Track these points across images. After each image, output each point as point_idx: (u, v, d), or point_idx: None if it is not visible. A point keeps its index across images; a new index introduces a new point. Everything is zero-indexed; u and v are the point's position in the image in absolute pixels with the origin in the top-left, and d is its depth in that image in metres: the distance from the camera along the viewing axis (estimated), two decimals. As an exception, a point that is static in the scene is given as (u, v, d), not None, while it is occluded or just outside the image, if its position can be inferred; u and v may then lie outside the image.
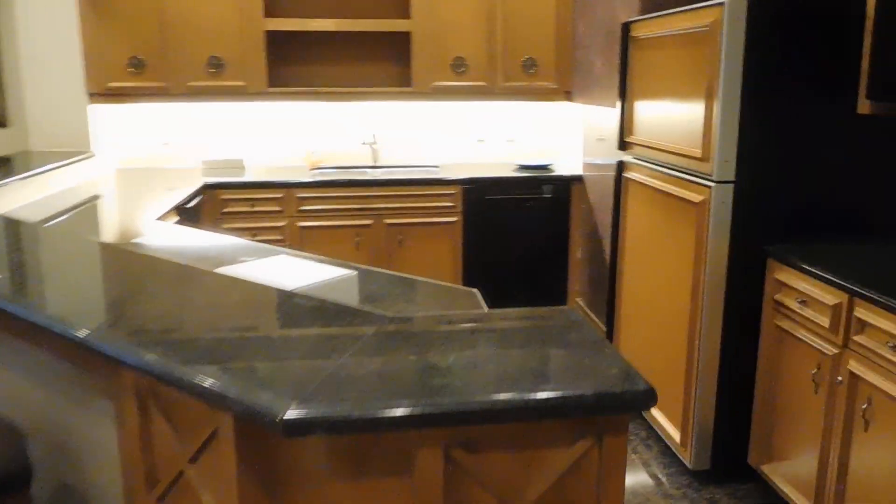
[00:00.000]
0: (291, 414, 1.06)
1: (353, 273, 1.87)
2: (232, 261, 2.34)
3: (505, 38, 4.38)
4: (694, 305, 2.63)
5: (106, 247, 2.16)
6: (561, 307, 1.35)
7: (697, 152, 2.56)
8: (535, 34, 4.39)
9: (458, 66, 4.39)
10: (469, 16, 4.34)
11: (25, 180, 3.45)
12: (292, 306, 1.54)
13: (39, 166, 3.62)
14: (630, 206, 3.22)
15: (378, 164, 4.72)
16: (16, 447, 1.72)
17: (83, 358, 1.57)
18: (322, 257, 2.42)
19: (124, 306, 1.61)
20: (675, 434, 2.80)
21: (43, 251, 2.20)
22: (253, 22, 4.24)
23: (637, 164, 3.13)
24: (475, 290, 2.01)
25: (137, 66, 4.23)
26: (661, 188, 2.87)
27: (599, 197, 4.00)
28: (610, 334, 3.47)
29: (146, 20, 4.18)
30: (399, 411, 1.06)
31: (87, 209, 3.46)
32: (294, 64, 4.56)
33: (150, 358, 1.28)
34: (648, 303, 3.05)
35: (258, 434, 1.19)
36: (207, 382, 1.17)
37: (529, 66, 4.42)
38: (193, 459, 1.36)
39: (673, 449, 2.88)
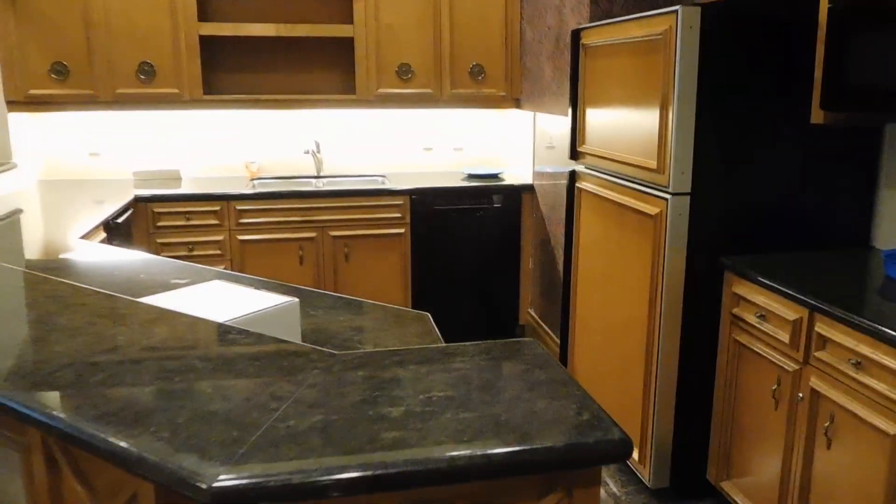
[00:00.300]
0: (222, 482, 0.92)
1: (294, 301, 1.72)
2: (162, 286, 2.16)
3: (452, 45, 4.27)
4: (651, 319, 2.56)
5: (19, 274, 1.95)
6: (523, 339, 1.23)
7: (652, 164, 2.49)
8: (483, 40, 4.30)
9: (404, 73, 4.26)
10: (414, 21, 4.22)
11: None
12: (225, 344, 1.39)
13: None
14: (583, 217, 3.14)
15: (322, 173, 4.55)
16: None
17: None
18: (263, 279, 2.26)
19: (32, 347, 1.43)
20: (633, 451, 2.73)
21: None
22: (186, 26, 4.02)
23: (590, 175, 3.06)
24: (427, 315, 1.88)
25: (61, 72, 3.97)
26: (615, 199, 2.80)
27: (551, 207, 3.93)
28: (564, 347, 3.38)
29: (70, 24, 3.93)
30: (348, 474, 0.93)
31: (5, 225, 3.20)
32: (232, 71, 4.36)
33: (57, 414, 1.11)
34: (604, 316, 2.97)
35: (184, 501, 1.03)
36: (122, 444, 1.01)
37: (477, 72, 4.32)
38: (112, 525, 1.20)
39: (631, 466, 2.80)
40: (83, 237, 3.00)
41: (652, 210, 2.51)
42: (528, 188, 4.22)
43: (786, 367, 2.14)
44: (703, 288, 2.49)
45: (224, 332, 1.45)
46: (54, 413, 1.12)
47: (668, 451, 2.60)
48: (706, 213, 2.45)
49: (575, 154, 3.19)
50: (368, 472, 0.93)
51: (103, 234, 3.32)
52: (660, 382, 2.55)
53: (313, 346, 1.37)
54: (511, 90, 4.36)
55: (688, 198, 2.42)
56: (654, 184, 2.51)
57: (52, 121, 4.29)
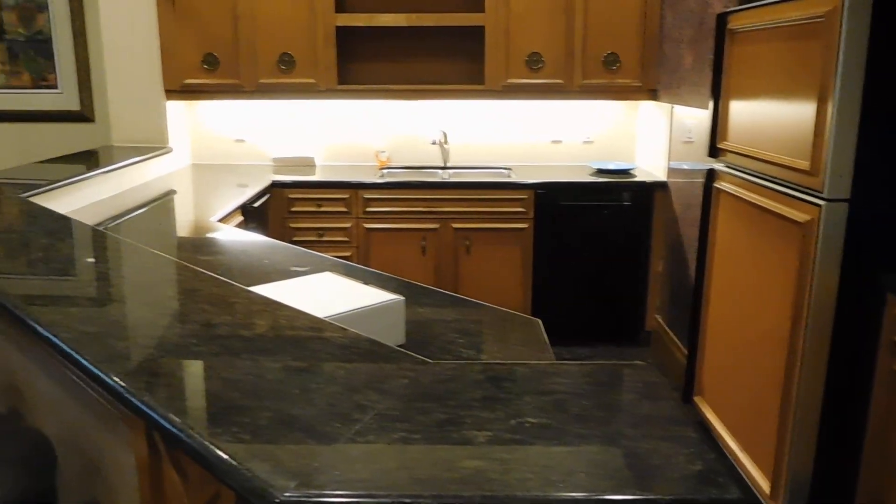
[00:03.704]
0: (289, 497, 0.88)
1: (399, 299, 1.67)
2: (281, 273, 2.20)
3: (585, 32, 4.07)
4: (793, 339, 2.30)
5: (151, 255, 2.05)
6: (634, 362, 1.10)
7: (805, 164, 2.23)
8: (618, 27, 4.07)
9: (534, 63, 4.12)
10: (546, 8, 4.06)
11: (108, 174, 3.49)
12: (321, 342, 1.36)
13: (121, 161, 3.68)
14: (721, 220, 2.89)
15: (448, 164, 4.52)
16: (46, 469, 1.63)
17: (94, 383, 1.45)
18: (376, 272, 2.25)
19: (143, 330, 1.48)
20: (764, 483, 2.48)
21: (96, 255, 2.11)
22: (324, 18, 4.11)
23: (730, 174, 2.80)
24: (537, 321, 1.78)
25: (212, 62, 4.19)
26: (758, 203, 2.54)
27: (685, 206, 3.67)
28: (692, 359, 3.15)
29: (220, 18, 4.14)
30: None
31: (158, 206, 3.44)
32: (364, 61, 4.42)
33: (150, 402, 1.13)
34: (739, 328, 2.73)
35: (261, 506, 1.01)
36: (204, 443, 1.00)
37: (611, 62, 4.11)
38: (201, 516, 1.21)
39: (760, 498, 2.56)
40: (222, 220, 3.15)
41: (801, 217, 2.25)
42: (661, 185, 3.97)
43: (954, 405, 1.85)
44: (859, 309, 2.20)
45: (322, 328, 1.43)
46: (149, 401, 1.13)
47: (805, 488, 2.34)
48: (867, 224, 2.15)
49: (714, 151, 2.94)
50: None
51: (240, 218, 3.48)
52: (800, 411, 2.29)
53: (408, 351, 1.31)
54: (647, 80, 4.11)
55: (846, 205, 2.14)
56: (806, 187, 2.25)
57: (202, 108, 4.54)
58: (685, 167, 3.70)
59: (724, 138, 2.86)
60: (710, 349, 3.00)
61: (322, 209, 4.04)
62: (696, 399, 3.09)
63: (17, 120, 4.82)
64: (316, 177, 4.16)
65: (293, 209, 4.05)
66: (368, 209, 4.02)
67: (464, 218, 4.00)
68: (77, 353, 1.33)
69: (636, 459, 0.93)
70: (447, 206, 4.00)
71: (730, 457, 2.78)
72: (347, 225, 4.05)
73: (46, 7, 4.67)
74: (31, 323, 1.50)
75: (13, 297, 1.63)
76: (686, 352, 3.29)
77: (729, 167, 2.84)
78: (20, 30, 4.73)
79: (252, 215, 3.61)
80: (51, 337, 1.44)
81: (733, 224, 2.77)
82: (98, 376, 1.26)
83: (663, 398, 1.08)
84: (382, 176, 4.23)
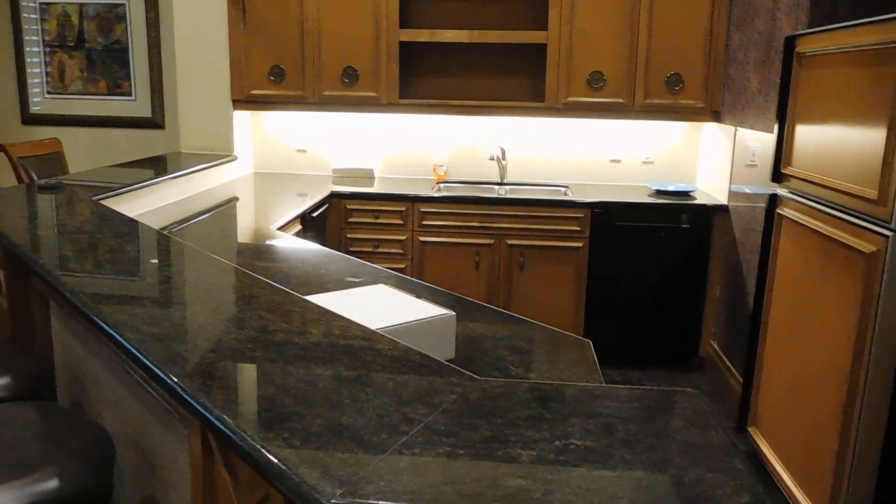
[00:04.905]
0: (335, 503, 0.90)
1: (451, 314, 1.69)
2: (337, 283, 2.25)
3: (648, 52, 4.04)
4: (854, 373, 2.22)
5: (210, 260, 2.12)
6: (684, 390, 1.09)
7: (872, 193, 2.16)
8: (683, 48, 4.02)
9: (595, 81, 4.11)
10: (610, 27, 4.05)
11: (174, 180, 3.63)
12: (372, 353, 1.39)
13: (188, 167, 3.82)
14: (782, 247, 2.82)
15: (505, 180, 4.53)
16: (105, 463, 1.70)
17: (155, 382, 1.51)
18: (429, 285, 2.28)
19: (204, 334, 1.53)
20: (819, 521, 2.40)
21: (160, 259, 2.20)
22: (388, 33, 4.19)
23: (794, 200, 2.74)
24: (587, 342, 1.77)
25: (278, 74, 4.31)
26: (822, 230, 2.47)
27: (745, 231, 3.59)
28: (747, 387, 3.07)
29: (288, 32, 4.26)
30: (461, 519, 0.87)
31: (221, 212, 3.55)
32: (425, 75, 4.48)
33: (207, 404, 1.17)
34: (797, 359, 2.65)
35: (308, 511, 1.04)
36: (256, 446, 1.04)
37: (674, 82, 4.06)
38: (250, 517, 1.24)
39: (816, 534, 2.47)
40: (281, 228, 3.24)
41: (867, 247, 2.18)
42: (721, 209, 3.89)
43: None
44: (925, 342, 2.12)
45: (374, 340, 1.45)
46: (206, 404, 1.17)
47: (863, 525, 2.25)
48: (936, 256, 2.08)
49: (778, 176, 2.88)
50: (485, 520, 0.86)
51: (299, 226, 3.56)
52: (860, 448, 2.21)
53: (457, 367, 1.33)
54: (710, 102, 4.05)
55: (913, 236, 2.07)
56: (872, 216, 2.18)
57: (267, 118, 4.68)
58: (747, 191, 3.62)
59: (789, 163, 2.79)
60: (767, 379, 2.92)
61: (379, 221, 4.10)
62: (751, 429, 3.01)
63: (92, 125, 5.06)
64: (374, 188, 4.23)
65: (351, 220, 4.12)
66: (424, 222, 4.07)
67: (519, 234, 4.00)
68: (140, 353, 1.39)
69: (681, 488, 0.92)
70: (503, 221, 4.01)
71: (783, 491, 2.70)
72: (403, 237, 4.10)
73: (125, 18, 4.90)
74: (99, 322, 1.57)
75: (83, 295, 1.71)
76: (742, 380, 3.20)
77: (793, 193, 2.77)
78: (99, 39, 4.96)
79: (310, 224, 3.69)
80: (117, 336, 1.50)
81: (795, 251, 2.70)
82: (159, 376, 1.31)
83: (712, 427, 1.06)
84: (439, 190, 4.27)
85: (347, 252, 3.83)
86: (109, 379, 2.10)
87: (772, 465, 2.76)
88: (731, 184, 3.87)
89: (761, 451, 2.86)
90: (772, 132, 2.96)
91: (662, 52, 4.03)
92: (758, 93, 3.48)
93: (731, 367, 3.65)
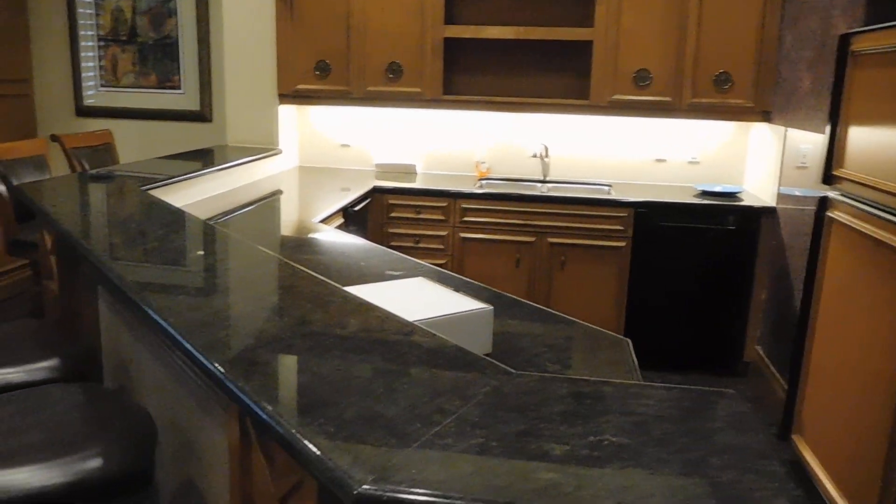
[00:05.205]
0: (366, 490, 0.91)
1: (488, 309, 1.69)
2: (376, 276, 2.26)
3: (697, 50, 3.96)
4: (904, 381, 2.15)
5: (253, 249, 2.16)
6: (724, 391, 1.07)
7: (926, 196, 2.09)
8: (733, 46, 3.94)
9: (641, 79, 4.05)
10: (657, 25, 3.99)
11: (220, 172, 3.70)
12: (409, 345, 1.39)
13: (233, 160, 3.89)
14: (832, 251, 2.74)
15: (547, 178, 4.50)
16: (148, 445, 1.74)
17: (197, 367, 1.54)
18: (467, 280, 2.28)
19: (243, 321, 1.56)
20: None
21: (209, 249, 2.24)
22: (433, 29, 4.20)
23: (845, 203, 2.66)
24: (626, 341, 1.75)
25: (323, 69, 4.36)
26: (874, 235, 2.40)
27: (794, 234, 3.50)
28: (792, 394, 3.00)
29: (334, 28, 4.30)
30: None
31: (265, 205, 3.62)
32: (469, 72, 4.47)
33: (245, 388, 1.19)
34: (845, 367, 2.58)
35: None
36: (292, 431, 1.05)
37: (723, 81, 3.98)
38: (283, 500, 1.26)
39: (860, 547, 2.40)
40: (323, 221, 3.27)
41: (920, 252, 2.11)
42: (769, 211, 3.80)
43: None
44: (981, 353, 2.04)
45: (410, 332, 1.46)
46: (245, 390, 1.19)
47: (909, 539, 2.18)
48: None
49: (829, 178, 2.80)
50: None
51: (341, 220, 3.60)
52: (908, 457, 2.14)
53: (493, 360, 1.32)
54: (760, 101, 3.96)
55: (971, 242, 1.99)
56: (927, 221, 2.11)
57: (311, 113, 4.73)
58: (796, 193, 3.53)
59: (841, 165, 2.71)
60: (813, 386, 2.85)
61: (420, 216, 4.12)
62: (794, 437, 2.93)
63: (142, 118, 5.19)
64: (416, 184, 4.24)
65: (392, 215, 4.15)
66: (465, 219, 4.07)
67: (560, 233, 3.98)
68: (183, 338, 1.42)
69: (716, 489, 0.91)
70: (544, 220, 3.98)
71: (827, 501, 2.63)
72: (444, 233, 4.10)
73: (175, 13, 5.01)
74: (145, 307, 1.61)
75: (130, 282, 1.76)
76: (786, 386, 3.13)
77: (844, 196, 2.69)
78: (150, 33, 5.09)
79: (352, 218, 3.72)
80: (161, 321, 1.54)
81: (846, 256, 2.63)
82: (201, 362, 1.34)
83: (751, 429, 1.04)
84: (481, 186, 4.26)
85: (388, 247, 3.86)
86: (153, 364, 2.15)
87: (815, 474, 2.69)
88: (779, 185, 3.78)
89: (804, 459, 2.79)
90: (823, 133, 2.88)
91: (711, 51, 3.95)
92: (810, 93, 3.39)
93: (776, 373, 3.57)
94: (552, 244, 3.99)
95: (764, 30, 3.89)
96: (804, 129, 3.43)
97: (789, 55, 3.72)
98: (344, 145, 4.74)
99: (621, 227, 3.92)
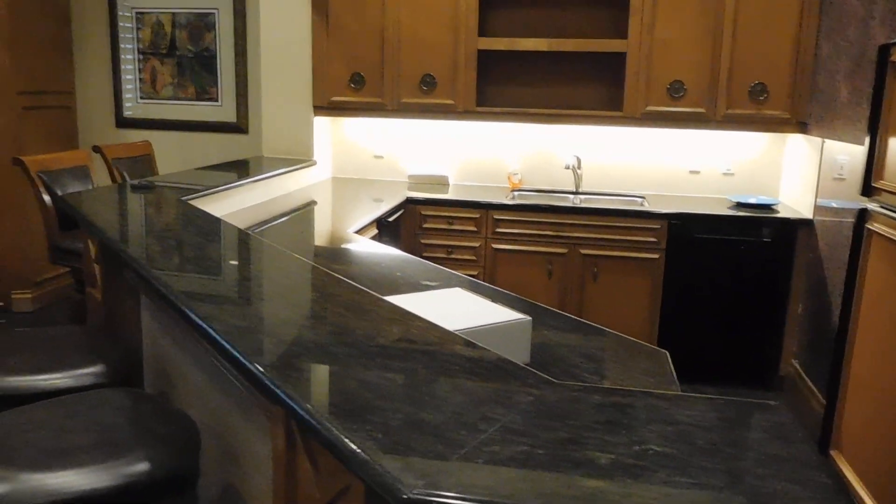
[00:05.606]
0: (418, 494, 0.93)
1: (527, 319, 1.70)
2: (413, 286, 2.29)
3: (732, 61, 3.94)
4: (948, 397, 2.12)
5: (293, 259, 2.20)
6: (766, 402, 1.07)
7: (971, 209, 2.06)
8: (769, 57, 3.91)
9: (675, 91, 4.04)
10: (692, 36, 3.98)
11: (256, 183, 3.77)
12: (451, 354, 1.41)
13: (269, 171, 3.95)
14: (871, 264, 2.71)
15: (580, 189, 4.50)
16: (192, 450, 1.78)
17: (242, 374, 1.57)
18: (503, 291, 2.29)
19: (287, 328, 1.59)
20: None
21: (247, 258, 2.29)
22: (467, 41, 4.24)
23: (886, 215, 2.63)
24: (664, 352, 1.75)
25: (358, 81, 4.42)
26: (914, 247, 2.37)
27: (832, 247, 3.46)
28: (830, 410, 2.95)
29: (369, 40, 4.35)
30: (539, 517, 0.88)
31: (300, 215, 3.67)
32: (502, 84, 4.50)
33: (294, 395, 1.22)
34: (886, 382, 2.54)
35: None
36: (341, 437, 1.08)
37: (758, 92, 3.95)
38: (329, 506, 1.28)
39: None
40: (358, 231, 3.31)
41: (964, 265, 2.08)
42: (806, 223, 3.76)
43: None
44: None
45: (452, 341, 1.48)
46: (292, 394, 1.22)
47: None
48: None
49: (869, 190, 2.76)
50: (562, 520, 0.88)
51: (375, 231, 3.64)
52: (952, 474, 2.10)
53: (534, 370, 1.34)
54: (797, 112, 3.92)
55: None
56: (972, 234, 2.08)
57: (345, 124, 4.79)
58: (834, 205, 3.49)
59: (881, 177, 2.68)
60: (853, 401, 2.80)
61: (453, 227, 4.15)
62: (833, 452, 2.89)
63: (180, 129, 5.30)
64: (449, 195, 4.27)
65: (425, 225, 4.18)
66: (498, 230, 4.08)
67: (593, 244, 3.97)
68: (230, 344, 1.46)
69: (763, 499, 0.91)
70: (577, 231, 3.98)
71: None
72: (476, 244, 4.12)
73: (214, 27, 5.12)
74: (190, 314, 1.65)
75: (177, 291, 1.81)
76: (824, 401, 3.08)
77: (884, 207, 2.66)
78: (189, 46, 5.20)
79: (386, 229, 3.76)
80: (206, 328, 1.58)
81: (886, 269, 2.59)
82: (247, 367, 1.38)
83: (796, 441, 1.04)
84: (513, 198, 4.28)
85: (421, 257, 3.89)
86: (195, 370, 2.20)
87: (855, 491, 2.65)
88: (816, 197, 3.74)
89: (844, 476, 2.75)
90: (862, 144, 2.85)
91: (747, 61, 3.93)
92: (848, 103, 3.35)
93: (813, 388, 3.52)
94: (585, 255, 3.99)
95: (800, 40, 3.86)
96: (842, 140, 3.39)
97: (826, 65, 3.69)
98: (377, 156, 4.79)
99: (655, 239, 3.90)
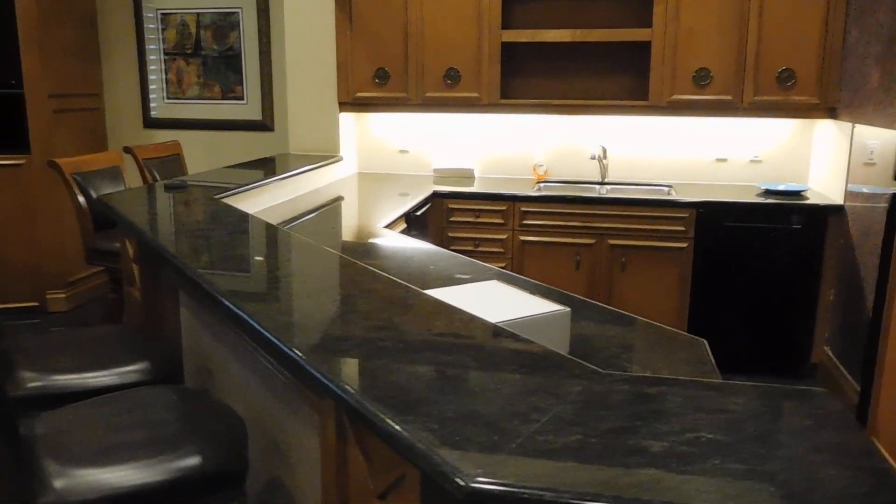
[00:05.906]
0: (479, 483, 0.96)
1: (566, 310, 1.73)
2: (447, 279, 2.32)
3: (758, 47, 3.92)
4: None
5: (330, 255, 2.24)
6: (814, 389, 1.09)
7: None
8: (796, 42, 3.88)
9: (701, 79, 4.02)
10: (717, 23, 3.95)
11: (284, 180, 3.82)
12: (496, 345, 1.44)
13: (296, 168, 3.99)
14: (906, 249, 2.70)
15: (606, 179, 4.50)
16: (240, 445, 1.82)
17: (292, 368, 1.61)
18: (537, 283, 2.31)
19: (333, 323, 1.63)
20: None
21: (287, 255, 2.33)
22: (490, 34, 4.25)
23: (919, 200, 2.61)
24: (703, 341, 1.77)
25: (382, 77, 4.44)
26: (951, 232, 2.35)
27: (864, 233, 3.43)
28: (865, 397, 2.94)
29: (392, 35, 4.38)
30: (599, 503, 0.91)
31: (328, 211, 3.71)
32: (526, 75, 4.51)
33: (348, 388, 1.25)
34: (922, 367, 2.53)
35: (444, 492, 1.10)
36: (398, 428, 1.11)
37: (786, 78, 3.92)
38: (382, 496, 1.32)
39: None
40: (387, 226, 3.35)
41: None
42: (837, 209, 3.73)
43: None
44: None
45: (496, 333, 1.51)
46: (346, 387, 1.26)
47: None
48: None
49: (903, 175, 2.75)
50: (621, 506, 0.90)
51: (404, 225, 3.67)
52: None
53: (579, 360, 1.36)
54: (825, 98, 3.89)
55: None
56: None
57: (370, 120, 4.83)
58: (865, 191, 3.46)
59: (915, 161, 2.66)
60: (888, 388, 2.80)
61: (479, 220, 4.17)
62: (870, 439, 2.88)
63: (206, 128, 5.37)
64: (475, 188, 4.29)
65: (452, 219, 4.20)
66: (525, 222, 4.10)
67: (620, 235, 3.98)
68: (279, 340, 1.50)
69: (818, 485, 0.93)
70: (604, 221, 3.99)
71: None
72: (503, 236, 4.14)
73: (238, 26, 5.17)
74: (239, 312, 1.69)
75: (222, 289, 1.85)
76: (858, 388, 3.07)
77: (919, 192, 2.64)
78: (214, 46, 5.27)
79: (414, 223, 3.79)
80: (254, 324, 1.62)
81: (922, 254, 2.58)
82: (297, 362, 1.41)
83: (848, 427, 1.05)
84: (539, 189, 4.29)
85: (449, 250, 3.91)
86: (237, 366, 2.25)
87: (892, 477, 2.64)
88: (847, 183, 3.71)
89: (880, 462, 2.74)
90: (893, 128, 2.83)
91: (774, 47, 3.90)
92: (878, 88, 3.32)
93: (847, 375, 3.50)
94: (612, 246, 4.00)
95: (828, 24, 3.83)
96: (873, 124, 3.36)
97: (855, 49, 3.66)
98: (402, 151, 4.82)
99: (683, 228, 3.90)
